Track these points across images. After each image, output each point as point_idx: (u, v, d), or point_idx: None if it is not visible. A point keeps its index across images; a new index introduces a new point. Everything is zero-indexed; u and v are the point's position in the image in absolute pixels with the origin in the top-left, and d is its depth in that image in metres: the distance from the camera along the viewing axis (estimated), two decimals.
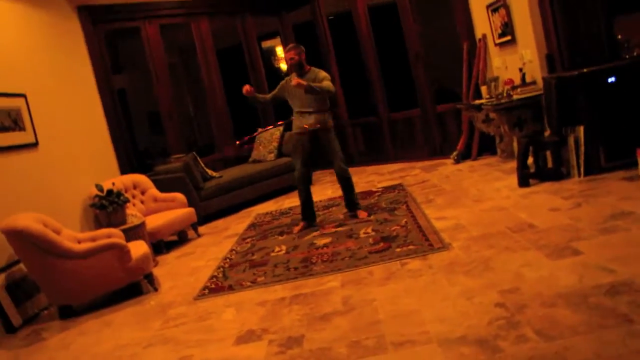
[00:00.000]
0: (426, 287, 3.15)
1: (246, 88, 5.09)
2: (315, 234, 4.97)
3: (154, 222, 5.54)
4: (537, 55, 5.31)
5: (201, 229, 6.30)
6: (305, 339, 2.82)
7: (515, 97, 5.22)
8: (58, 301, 4.18)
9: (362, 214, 5.17)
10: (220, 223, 6.59)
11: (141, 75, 8.52)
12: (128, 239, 4.65)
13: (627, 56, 4.74)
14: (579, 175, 4.72)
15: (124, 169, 6.87)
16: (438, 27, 8.03)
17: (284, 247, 4.74)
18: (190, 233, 6.16)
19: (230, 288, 3.97)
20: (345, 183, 5.17)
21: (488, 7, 6.09)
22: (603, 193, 4.12)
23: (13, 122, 5.04)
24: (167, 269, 5.00)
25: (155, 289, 4.39)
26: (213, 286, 4.10)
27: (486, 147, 6.92)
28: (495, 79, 6.03)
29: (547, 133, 5.15)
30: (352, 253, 4.11)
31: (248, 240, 5.32)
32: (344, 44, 8.58)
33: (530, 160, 5.08)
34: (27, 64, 5.54)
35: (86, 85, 6.64)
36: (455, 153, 7.03)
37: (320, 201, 6.38)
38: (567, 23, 5.07)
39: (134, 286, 4.37)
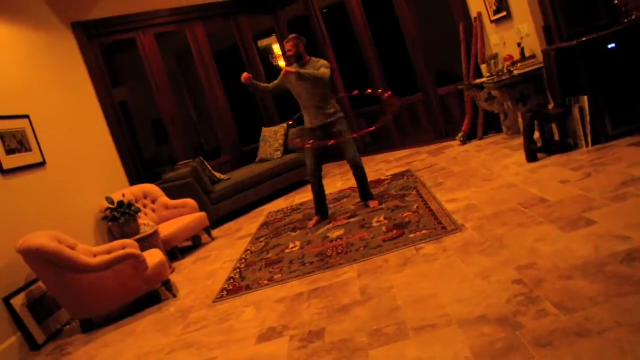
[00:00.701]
0: (442, 270, 3.15)
1: (244, 75, 5.02)
2: (328, 226, 4.98)
3: (167, 229, 5.57)
4: (534, 29, 5.27)
5: (214, 232, 6.33)
6: (326, 332, 2.83)
7: (516, 72, 5.19)
8: (79, 315, 4.22)
9: (373, 203, 5.16)
10: (232, 225, 6.61)
11: (141, 86, 8.55)
12: (143, 249, 4.69)
13: (625, 20, 4.68)
14: (587, 145, 4.68)
15: (133, 180, 6.91)
16: (432, 10, 7.99)
17: (298, 243, 4.75)
18: (204, 237, 6.19)
19: (248, 288, 3.99)
20: (359, 173, 5.15)
21: None
22: (612, 161, 4.09)
23: (19, 143, 5.08)
24: (184, 274, 5.03)
25: (174, 295, 4.42)
26: (231, 288, 4.12)
27: (491, 125, 6.89)
28: (495, 57, 5.99)
29: (551, 106, 5.12)
30: (367, 243, 4.12)
31: (262, 239, 5.34)
32: (340, 35, 8.56)
33: (536, 134, 5.06)
34: (28, 85, 5.58)
35: (87, 100, 6.67)
36: (461, 134, 7.00)
37: (331, 194, 6.38)
38: None
39: (153, 294, 4.41)
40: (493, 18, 6.07)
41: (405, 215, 4.52)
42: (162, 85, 7.66)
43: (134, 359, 3.38)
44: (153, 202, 6.34)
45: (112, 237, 5.60)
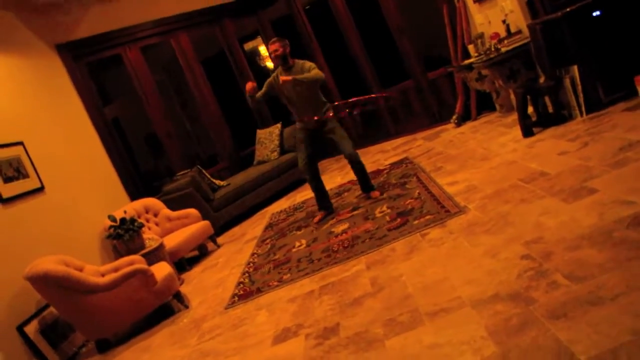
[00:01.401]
0: (450, 254, 3.15)
1: (249, 85, 5.01)
2: (332, 222, 4.98)
3: (172, 241, 5.57)
4: (518, 4, 5.26)
5: (219, 239, 6.33)
6: (340, 326, 2.83)
7: (503, 49, 5.19)
8: (93, 336, 4.22)
9: (375, 194, 5.16)
10: (237, 230, 6.61)
11: (132, 101, 8.53)
12: (150, 263, 4.69)
13: None
14: (581, 114, 4.68)
15: (133, 195, 6.91)
16: None
17: (303, 241, 4.75)
18: (210, 245, 6.19)
19: (259, 291, 3.99)
20: (357, 167, 5.13)
21: None
22: (608, 128, 4.08)
23: (16, 170, 5.08)
24: (193, 284, 5.03)
25: (186, 306, 4.42)
26: (241, 292, 4.12)
27: (484, 105, 6.88)
28: (481, 36, 5.98)
29: (541, 79, 5.11)
30: (372, 234, 4.11)
31: (267, 241, 5.34)
32: (325, 31, 8.53)
33: (530, 109, 5.05)
34: (19, 111, 5.57)
35: (79, 120, 6.67)
36: (454, 117, 7.00)
37: (331, 189, 6.38)
38: None
39: (165, 307, 4.42)
40: None
41: (407, 202, 4.52)
42: (153, 98, 7.65)
43: None
44: (155, 215, 6.34)
45: (118, 254, 5.60)
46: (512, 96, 5.66)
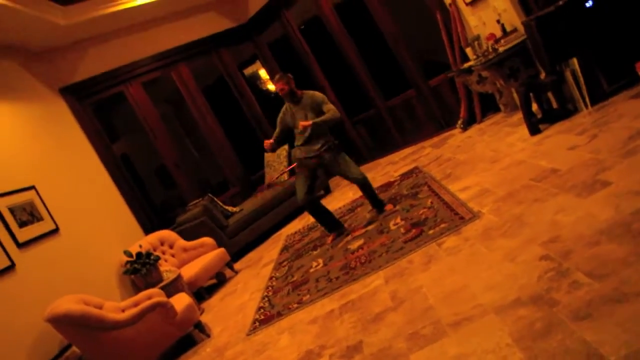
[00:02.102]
0: (468, 261, 3.12)
1: (267, 143, 5.05)
2: (347, 239, 4.95)
3: (189, 271, 5.57)
4: (510, 2, 5.26)
5: (236, 266, 6.32)
6: (364, 344, 2.80)
7: (501, 49, 5.17)
8: None
9: (387, 207, 5.13)
10: (253, 255, 6.60)
11: (138, 136, 8.60)
12: (169, 295, 4.68)
13: None
14: (586, 107, 4.64)
15: (147, 229, 6.94)
16: (405, 3, 7.96)
17: (320, 261, 4.73)
18: (227, 272, 6.18)
19: (279, 314, 3.96)
20: (367, 190, 5.09)
21: None
22: (615, 118, 4.04)
23: (30, 215, 5.12)
24: (213, 313, 5.01)
25: (208, 335, 4.40)
26: (262, 317, 4.10)
27: (488, 106, 6.85)
28: (477, 38, 5.98)
29: (542, 75, 5.09)
30: (388, 247, 4.09)
31: (284, 263, 5.32)
32: (322, 48, 8.56)
33: (534, 106, 5.02)
34: (28, 156, 5.63)
35: (88, 160, 6.73)
36: (460, 121, 6.97)
37: (344, 206, 6.36)
38: None
39: (187, 338, 4.40)
40: (467, 0, 6.06)
41: (420, 212, 4.49)
42: (159, 131, 7.71)
43: None
44: (170, 247, 6.35)
45: (137, 288, 5.60)
46: (515, 95, 5.63)
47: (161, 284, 4.97)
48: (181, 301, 4.45)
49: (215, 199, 7.25)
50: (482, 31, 5.95)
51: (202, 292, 5.60)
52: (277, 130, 5.22)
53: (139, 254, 5.19)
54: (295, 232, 6.45)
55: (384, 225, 4.72)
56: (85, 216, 5.97)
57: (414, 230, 4.13)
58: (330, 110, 4.90)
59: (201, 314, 5.01)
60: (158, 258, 5.29)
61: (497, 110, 6.73)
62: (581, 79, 4.60)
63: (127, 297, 5.73)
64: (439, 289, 2.96)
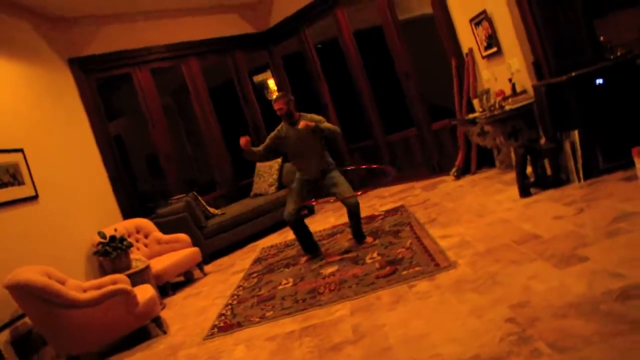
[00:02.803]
0: (436, 308, 3.11)
1: (244, 140, 5.05)
2: (321, 263, 4.93)
3: (159, 264, 5.52)
4: (524, 64, 5.33)
5: (207, 268, 6.28)
6: None
7: (507, 107, 5.23)
8: (66, 352, 4.13)
9: (367, 239, 5.12)
10: (225, 260, 6.56)
11: (136, 120, 8.58)
12: (134, 284, 4.63)
13: (611, 57, 4.76)
14: (579, 180, 4.70)
15: (127, 214, 6.89)
16: (424, 44, 8.07)
17: (290, 280, 4.70)
18: (196, 272, 6.13)
19: (239, 325, 3.93)
20: (355, 216, 5.06)
21: (471, 21, 6.14)
22: (604, 196, 4.09)
23: (11, 177, 5.06)
24: (174, 310, 4.96)
25: (164, 332, 4.34)
26: (222, 324, 4.06)
27: (484, 160, 6.91)
28: (487, 92, 6.05)
29: (542, 140, 5.14)
30: (359, 279, 4.07)
31: (254, 275, 5.29)
32: (334, 70, 8.65)
33: (529, 169, 5.07)
34: (23, 119, 5.59)
35: (82, 134, 6.70)
36: (454, 169, 7.02)
37: (324, 229, 6.36)
38: (549, 29, 5.09)
39: (142, 331, 4.34)
40: (484, 54, 6.15)
41: (398, 251, 4.49)
42: (158, 120, 7.69)
43: None
44: (146, 236, 6.30)
45: (104, 271, 5.54)
46: (513, 154, 5.68)
47: (128, 272, 4.92)
48: (145, 292, 4.40)
49: (200, 197, 7.22)
50: (493, 86, 6.02)
51: (167, 288, 5.55)
52: (266, 143, 5.25)
53: (112, 238, 5.14)
54: (272, 246, 6.42)
55: (360, 256, 4.71)
56: (67, 189, 5.92)
57: (388, 268, 4.12)
58: (331, 125, 4.95)
59: (162, 309, 4.95)
60: (131, 245, 5.24)
61: (492, 165, 6.79)
62: (579, 152, 4.65)
63: (92, 278, 5.66)
64: (401, 330, 2.95)
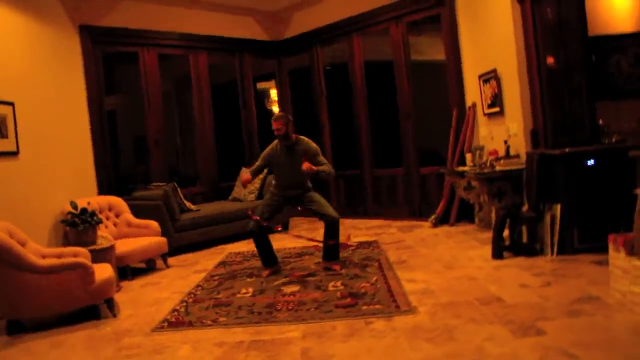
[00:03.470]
0: (387, 349, 3.10)
1: (246, 178, 5.18)
2: (284, 280, 4.91)
3: (124, 246, 5.45)
4: (523, 130, 5.42)
5: (171, 260, 6.20)
6: None
7: (498, 168, 5.31)
8: (9, 315, 4.04)
9: (335, 266, 5.11)
10: (190, 257, 6.50)
11: (133, 99, 8.52)
12: (94, 260, 4.56)
13: (606, 141, 4.87)
14: (552, 253, 4.75)
15: (102, 190, 6.82)
16: (430, 90, 8.18)
17: (250, 290, 4.67)
18: (159, 263, 6.06)
19: (190, 324, 3.88)
20: (333, 232, 5.08)
21: (480, 77, 6.24)
22: (573, 274, 4.14)
23: None
24: (129, 296, 4.89)
25: (114, 315, 4.27)
26: (173, 320, 4.01)
27: (465, 214, 6.95)
28: (481, 148, 6.13)
29: (525, 207, 5.21)
30: (318, 305, 4.05)
31: (216, 277, 5.24)
32: (337, 94, 8.72)
33: (506, 232, 5.11)
34: (22, 73, 5.56)
35: (77, 102, 6.64)
36: (433, 216, 7.06)
37: (294, 248, 6.34)
38: (553, 102, 5.20)
39: (92, 309, 4.25)
40: (486, 111, 6.24)
41: (362, 285, 4.48)
42: (155, 104, 7.67)
43: None
44: (117, 216, 6.24)
45: (67, 242, 5.46)
46: (493, 215, 5.74)
47: (92, 247, 4.85)
48: (104, 271, 4.34)
49: (179, 189, 7.17)
50: (488, 144, 6.10)
51: (127, 272, 5.47)
52: (259, 164, 5.33)
53: (83, 210, 5.08)
54: (239, 253, 6.38)
55: (323, 282, 4.70)
56: (49, 153, 5.86)
57: (349, 299, 4.11)
58: (326, 164, 5.05)
59: (117, 291, 4.88)
60: (100, 221, 5.19)
61: (471, 221, 6.84)
62: (557, 226, 4.72)
63: (54, 245, 5.59)
64: None
